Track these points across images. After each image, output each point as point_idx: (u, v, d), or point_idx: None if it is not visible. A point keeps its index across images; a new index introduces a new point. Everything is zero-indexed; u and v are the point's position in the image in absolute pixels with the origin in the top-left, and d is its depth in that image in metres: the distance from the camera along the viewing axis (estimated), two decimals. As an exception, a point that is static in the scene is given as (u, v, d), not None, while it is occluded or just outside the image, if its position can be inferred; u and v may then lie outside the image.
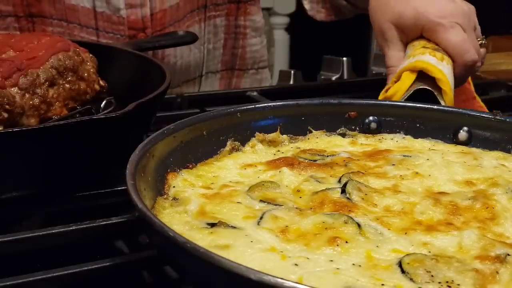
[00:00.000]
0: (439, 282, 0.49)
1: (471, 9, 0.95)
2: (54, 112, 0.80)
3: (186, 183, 0.65)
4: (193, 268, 0.48)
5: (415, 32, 0.93)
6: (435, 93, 0.84)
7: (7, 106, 0.73)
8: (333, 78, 1.34)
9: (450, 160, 0.71)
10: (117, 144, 0.75)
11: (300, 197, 0.63)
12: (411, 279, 0.49)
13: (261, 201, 0.61)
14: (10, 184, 0.68)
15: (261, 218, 0.58)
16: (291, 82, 1.40)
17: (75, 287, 0.58)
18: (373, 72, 1.46)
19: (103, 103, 0.87)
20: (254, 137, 0.75)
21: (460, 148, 0.76)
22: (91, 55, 0.89)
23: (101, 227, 0.65)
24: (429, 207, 0.60)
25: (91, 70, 0.87)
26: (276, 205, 0.61)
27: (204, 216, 0.58)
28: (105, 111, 0.85)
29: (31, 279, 0.56)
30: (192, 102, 1.09)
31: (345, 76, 1.36)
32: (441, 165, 0.69)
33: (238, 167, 0.70)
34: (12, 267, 0.58)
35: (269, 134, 0.75)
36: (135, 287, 0.64)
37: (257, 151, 0.74)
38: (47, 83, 0.79)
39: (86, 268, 0.57)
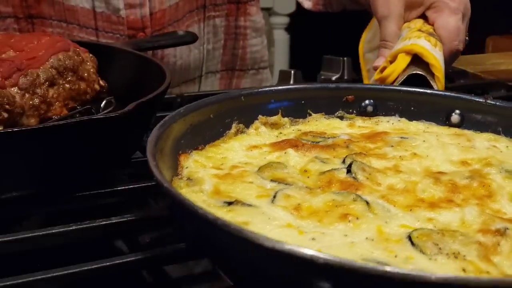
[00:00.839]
0: (447, 254, 0.52)
1: (469, 5, 0.97)
2: (54, 112, 0.80)
3: (197, 164, 0.67)
4: (231, 247, 0.49)
5: (420, 9, 0.95)
6: (428, 78, 0.86)
7: (7, 106, 0.73)
8: (333, 78, 1.34)
9: (445, 141, 0.74)
10: (117, 144, 0.74)
11: (308, 177, 0.65)
12: (421, 251, 0.52)
13: (271, 180, 0.64)
14: (10, 184, 0.68)
15: (274, 197, 0.60)
16: (291, 82, 1.40)
17: (75, 287, 0.58)
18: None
19: (103, 103, 0.87)
20: (257, 119, 0.77)
21: (453, 130, 0.79)
22: (91, 55, 0.89)
23: (101, 227, 0.65)
24: (430, 186, 0.63)
25: (91, 70, 0.87)
26: (286, 184, 0.63)
27: (219, 195, 0.60)
28: (105, 111, 0.84)
29: (31, 279, 0.55)
30: (192, 102, 1.09)
31: (345, 76, 1.35)
32: (437, 147, 0.72)
33: (244, 148, 0.72)
34: (12, 267, 0.58)
35: (271, 117, 0.78)
36: (135, 287, 0.64)
37: (260, 134, 0.76)
38: (47, 83, 0.79)
39: (86, 268, 0.57)
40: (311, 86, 0.82)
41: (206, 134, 0.71)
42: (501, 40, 1.90)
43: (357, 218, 0.56)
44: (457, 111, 0.80)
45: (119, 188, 0.74)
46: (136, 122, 0.75)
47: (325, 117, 0.81)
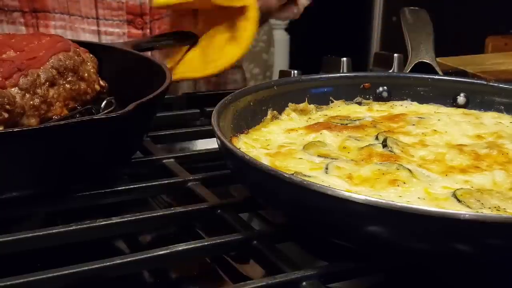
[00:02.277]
0: (489, 208, 0.58)
1: None
2: (54, 112, 0.79)
3: (248, 145, 0.73)
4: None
5: None
6: (433, 65, 0.95)
7: (7, 106, 0.72)
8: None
9: (457, 120, 0.81)
10: (117, 144, 0.74)
11: (348, 152, 0.71)
12: (467, 206, 0.58)
13: (318, 156, 0.69)
14: (10, 184, 0.67)
15: (326, 168, 0.66)
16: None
17: (75, 287, 0.58)
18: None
19: (104, 103, 0.86)
20: (288, 106, 0.84)
21: (461, 110, 0.87)
22: (91, 55, 0.88)
23: (101, 227, 0.65)
24: (456, 155, 0.69)
25: (91, 70, 0.86)
26: (332, 159, 0.68)
27: (278, 169, 0.62)
28: (105, 111, 0.85)
29: (31, 279, 0.54)
30: (192, 102, 1.09)
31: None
32: (451, 124, 0.79)
33: (282, 131, 0.79)
34: (12, 267, 0.58)
35: (299, 104, 0.85)
36: (135, 287, 0.64)
37: (292, 119, 0.83)
38: (47, 83, 0.78)
39: (86, 268, 0.56)
40: (333, 76, 0.92)
41: (248, 120, 0.78)
42: (501, 40, 1.90)
43: (404, 183, 0.62)
44: (463, 93, 0.88)
45: (119, 188, 0.73)
46: (136, 122, 0.75)
47: (345, 103, 0.88)
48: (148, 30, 1.17)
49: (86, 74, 0.85)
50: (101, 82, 0.88)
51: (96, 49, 0.92)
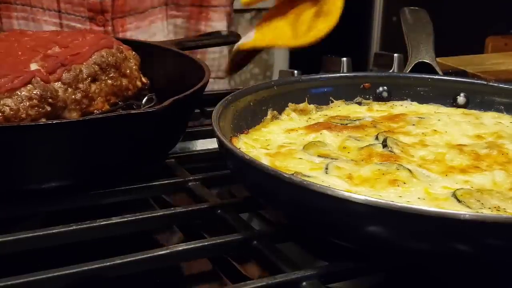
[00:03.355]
0: (489, 208, 0.58)
1: None
2: (96, 107, 0.81)
3: (248, 145, 0.73)
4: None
5: None
6: (433, 65, 0.95)
7: (50, 100, 0.74)
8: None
9: (457, 120, 0.81)
10: (154, 140, 0.75)
11: (348, 153, 0.71)
12: (467, 206, 0.58)
13: (318, 156, 0.69)
14: (49, 174, 0.69)
15: (326, 168, 0.66)
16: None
17: (75, 287, 0.58)
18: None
19: (145, 99, 0.88)
20: (288, 106, 0.84)
21: (461, 110, 0.87)
22: (134, 52, 0.90)
23: (101, 227, 0.65)
24: (456, 155, 0.70)
25: (134, 67, 0.88)
26: (332, 159, 0.68)
27: (278, 169, 0.62)
28: (146, 107, 0.86)
29: (31, 279, 0.54)
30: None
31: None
32: (451, 124, 0.80)
33: (282, 131, 0.79)
34: (12, 267, 0.58)
35: (299, 104, 0.85)
36: (135, 287, 0.64)
37: (292, 119, 0.83)
38: (89, 78, 0.80)
39: (86, 268, 0.56)
40: (333, 76, 0.92)
41: (248, 120, 0.78)
42: (501, 40, 1.90)
43: (404, 183, 0.62)
44: (463, 93, 0.88)
45: (119, 188, 0.74)
46: (173, 118, 0.75)
47: (345, 103, 0.89)
48: (110, 28, 1.18)
49: (128, 71, 0.87)
50: (143, 79, 0.90)
51: (140, 46, 0.93)
